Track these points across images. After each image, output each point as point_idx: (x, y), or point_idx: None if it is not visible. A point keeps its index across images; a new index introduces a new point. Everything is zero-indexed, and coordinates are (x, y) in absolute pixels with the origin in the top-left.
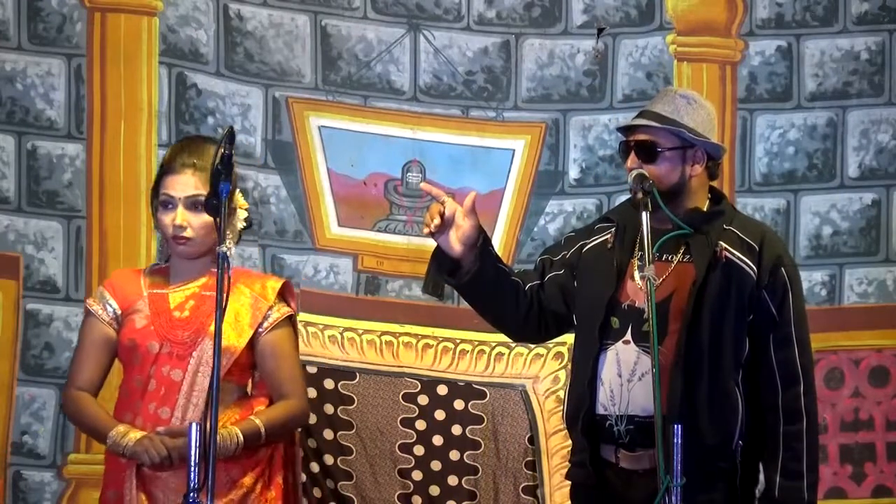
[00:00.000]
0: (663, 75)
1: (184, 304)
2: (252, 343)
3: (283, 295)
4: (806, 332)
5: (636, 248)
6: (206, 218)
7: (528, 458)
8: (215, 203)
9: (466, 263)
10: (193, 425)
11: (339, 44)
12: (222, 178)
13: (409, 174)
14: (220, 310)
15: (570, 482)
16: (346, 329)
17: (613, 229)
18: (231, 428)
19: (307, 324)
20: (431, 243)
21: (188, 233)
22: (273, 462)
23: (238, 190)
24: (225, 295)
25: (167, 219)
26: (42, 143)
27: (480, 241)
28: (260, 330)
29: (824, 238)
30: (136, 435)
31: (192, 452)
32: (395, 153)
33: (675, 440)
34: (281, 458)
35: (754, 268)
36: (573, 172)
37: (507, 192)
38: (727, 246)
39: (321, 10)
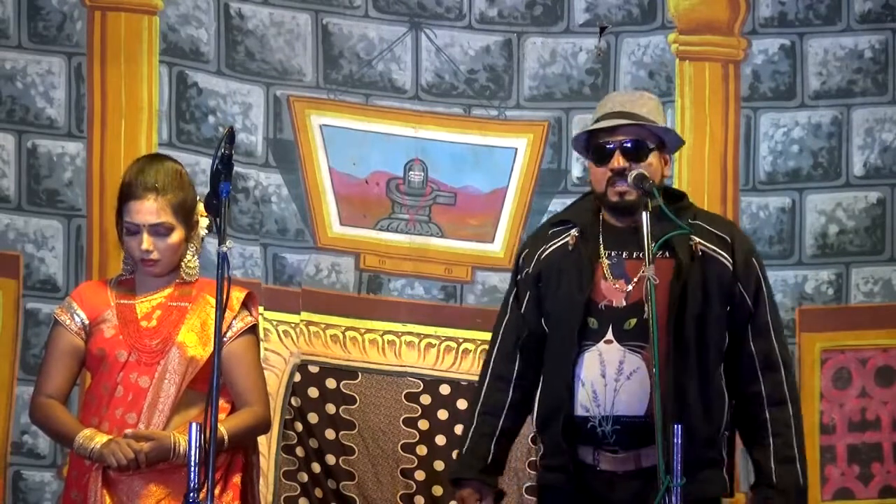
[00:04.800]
0: (665, 74)
1: (150, 313)
2: None
3: (247, 305)
4: (780, 321)
5: (601, 248)
6: (170, 241)
7: (531, 458)
8: (215, 203)
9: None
10: (193, 425)
11: (341, 42)
12: (222, 178)
13: (411, 173)
14: (220, 310)
15: (539, 485)
16: (349, 328)
17: (574, 231)
18: None
19: (309, 323)
20: (434, 242)
21: (155, 255)
22: (231, 466)
23: (198, 198)
24: (225, 294)
25: (134, 243)
26: (42, 141)
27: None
28: (224, 339)
29: (830, 237)
30: (102, 438)
31: (193, 453)
32: (397, 152)
33: (675, 440)
34: (240, 463)
35: (730, 259)
36: (576, 171)
37: (509, 190)
38: (700, 240)
39: (322, 8)
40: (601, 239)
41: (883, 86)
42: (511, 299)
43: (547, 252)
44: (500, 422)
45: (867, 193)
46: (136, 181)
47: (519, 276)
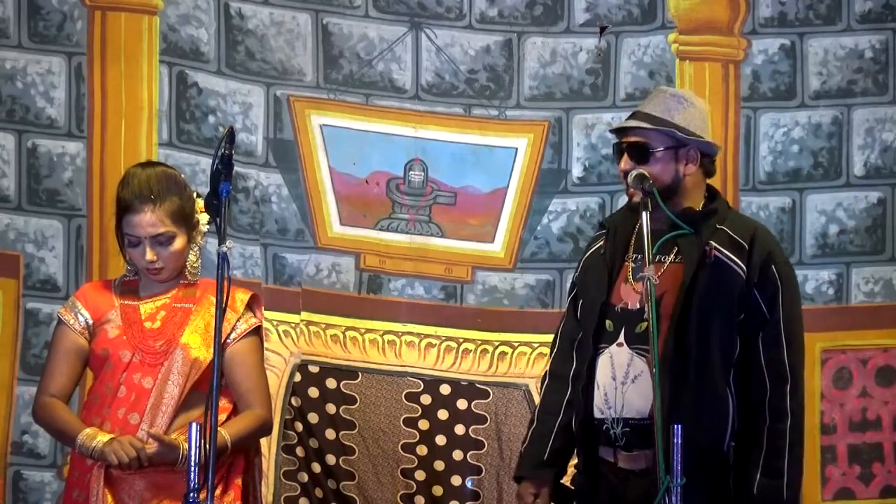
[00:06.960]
0: (665, 74)
1: (154, 314)
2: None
3: (251, 306)
4: (799, 330)
5: (629, 250)
6: (172, 248)
7: None
8: (215, 203)
9: None
10: (193, 426)
11: (341, 42)
12: (222, 178)
13: (411, 173)
14: (220, 309)
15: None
16: (349, 328)
17: (605, 235)
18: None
19: (309, 323)
20: (434, 242)
21: (159, 264)
22: (233, 467)
23: (195, 193)
24: (225, 294)
25: (137, 253)
26: (42, 141)
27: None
28: (228, 340)
29: (831, 237)
30: (104, 437)
31: (193, 453)
32: (398, 152)
33: (675, 440)
34: (242, 464)
35: (743, 266)
36: (576, 171)
37: (509, 190)
38: (717, 245)
39: (322, 8)
40: (632, 241)
41: (883, 86)
42: (570, 302)
43: (586, 256)
44: (559, 419)
45: (867, 193)
46: (131, 194)
47: (577, 274)
